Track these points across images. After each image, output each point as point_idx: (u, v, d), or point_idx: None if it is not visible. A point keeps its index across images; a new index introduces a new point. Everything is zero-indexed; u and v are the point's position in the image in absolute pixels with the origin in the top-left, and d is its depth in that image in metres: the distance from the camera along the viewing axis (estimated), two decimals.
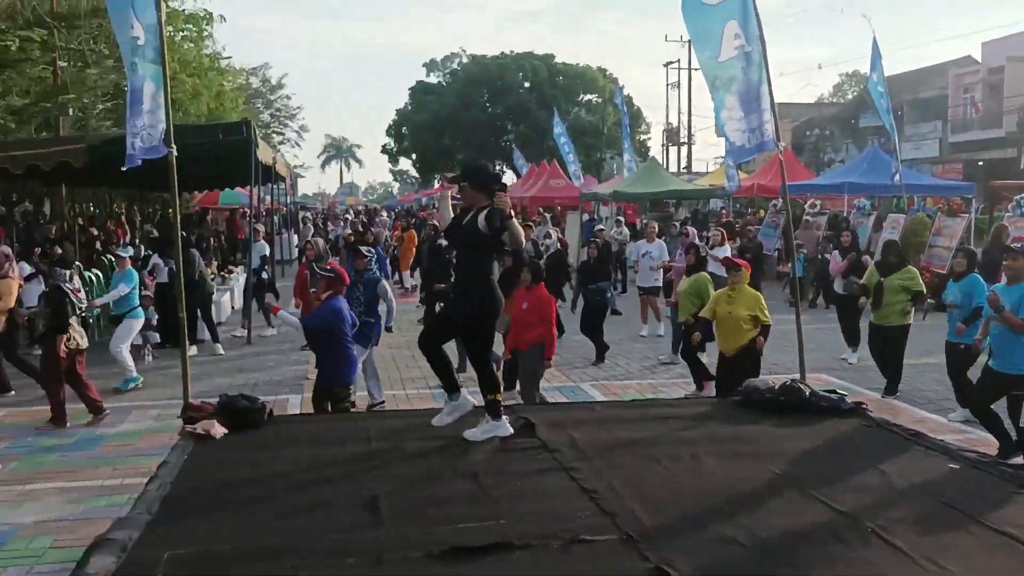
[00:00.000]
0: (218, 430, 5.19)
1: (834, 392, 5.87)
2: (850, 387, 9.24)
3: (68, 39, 20.91)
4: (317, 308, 7.08)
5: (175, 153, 6.08)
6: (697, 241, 12.56)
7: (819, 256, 15.54)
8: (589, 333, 11.61)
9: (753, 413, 5.70)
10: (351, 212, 45.14)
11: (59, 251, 11.99)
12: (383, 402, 9.00)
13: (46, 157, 12.16)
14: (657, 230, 14.87)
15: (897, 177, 18.37)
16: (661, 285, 13.40)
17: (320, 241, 11.19)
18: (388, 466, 4.69)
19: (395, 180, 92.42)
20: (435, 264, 12.18)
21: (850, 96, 62.39)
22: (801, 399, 5.72)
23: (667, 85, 53.06)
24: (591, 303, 11.75)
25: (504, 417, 5.22)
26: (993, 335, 6.93)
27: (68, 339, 8.24)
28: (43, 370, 8.48)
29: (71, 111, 23.91)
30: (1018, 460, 6.51)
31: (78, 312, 8.55)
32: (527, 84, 60.37)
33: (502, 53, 62.72)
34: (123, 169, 6.30)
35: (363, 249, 9.26)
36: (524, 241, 5.34)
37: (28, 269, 11.43)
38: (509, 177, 57.97)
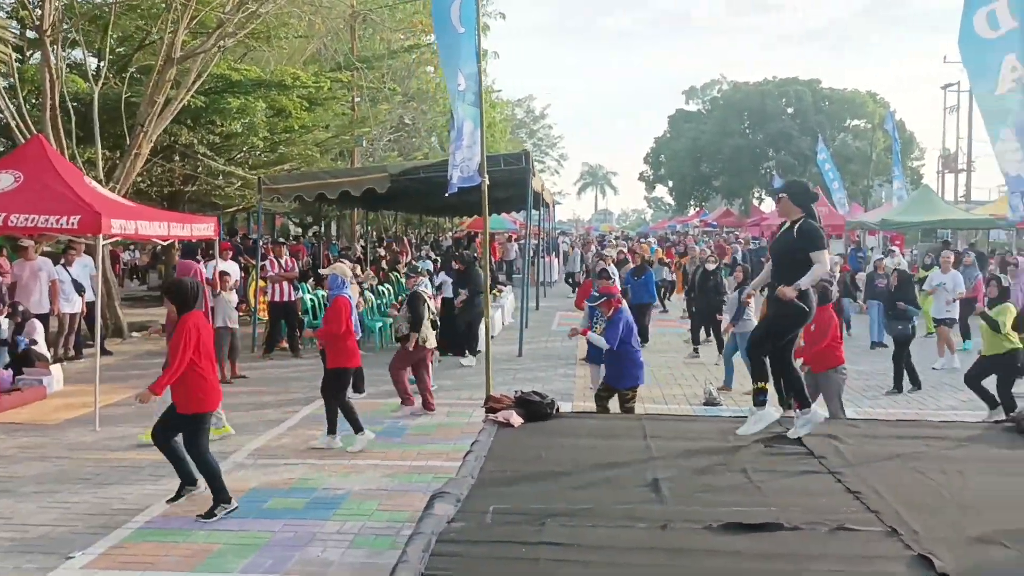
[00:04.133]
0: (516, 419, 6.04)
1: None
2: None
3: (366, 78, 23.33)
4: (609, 326, 7.94)
5: (487, 182, 7.10)
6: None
7: None
8: (895, 362, 11.65)
9: None
10: (608, 238, 46.04)
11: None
12: None
13: (356, 184, 13.96)
14: (952, 260, 14.48)
15: None
16: (956, 317, 13.15)
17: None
18: (664, 457, 5.28)
19: (649, 207, 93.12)
20: (704, 286, 12.99)
21: None
22: None
23: (944, 108, 49.88)
24: (893, 333, 11.85)
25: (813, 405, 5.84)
26: None
27: (422, 339, 9.72)
28: (394, 363, 9.94)
29: (363, 143, 26.69)
30: None
31: (430, 316, 10.00)
32: (790, 110, 59.01)
33: (764, 79, 61.74)
34: (446, 195, 7.41)
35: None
36: (826, 266, 5.84)
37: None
38: (768, 205, 56.84)
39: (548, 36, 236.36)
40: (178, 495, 6.72)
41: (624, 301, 9.01)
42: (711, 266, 14.24)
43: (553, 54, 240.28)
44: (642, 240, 37.75)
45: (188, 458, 6.57)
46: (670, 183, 68.07)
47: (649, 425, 6.21)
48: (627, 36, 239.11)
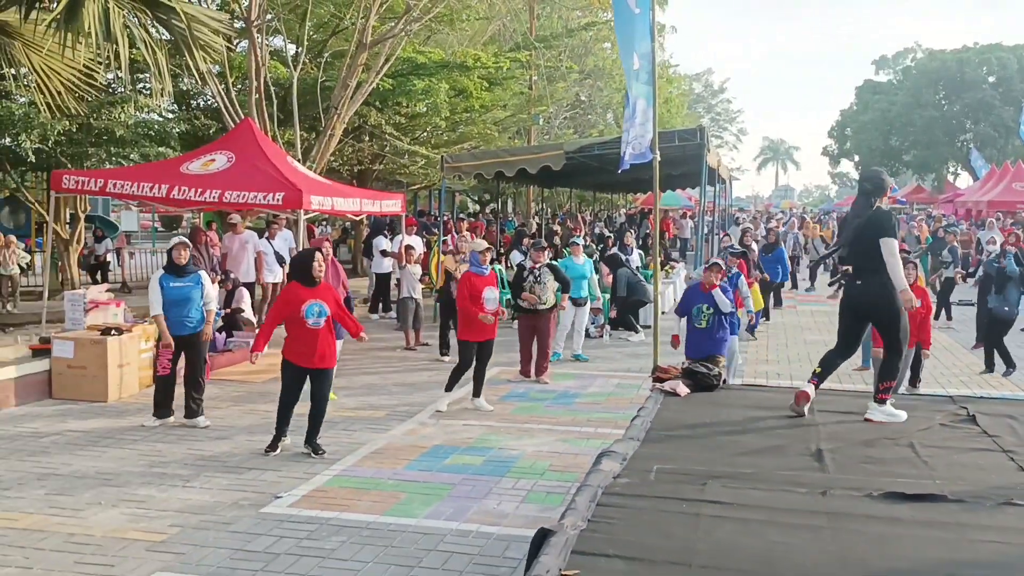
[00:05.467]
0: (682, 389, 6.26)
1: None
2: None
3: (543, 57, 23.75)
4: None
5: (659, 159, 7.31)
6: None
7: None
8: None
9: None
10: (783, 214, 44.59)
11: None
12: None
13: (533, 162, 14.41)
14: None
15: None
16: None
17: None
18: (830, 430, 5.37)
19: (833, 183, 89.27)
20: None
21: None
22: None
23: None
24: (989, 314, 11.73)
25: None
26: None
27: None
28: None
29: (540, 121, 27.18)
30: None
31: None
32: (991, 79, 54.99)
33: (964, 46, 57.74)
34: (618, 172, 7.68)
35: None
36: None
37: (519, 257, 13.71)
38: (964, 179, 53.35)
39: (730, 6, 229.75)
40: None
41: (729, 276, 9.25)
42: None
43: (735, 25, 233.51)
44: (822, 217, 36.40)
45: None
46: (856, 158, 65.08)
47: (817, 399, 6.27)
48: (808, 4, 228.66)
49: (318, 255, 7.39)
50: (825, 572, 3.26)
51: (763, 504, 3.99)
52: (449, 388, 9.02)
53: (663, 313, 15.72)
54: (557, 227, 24.97)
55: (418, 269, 12.78)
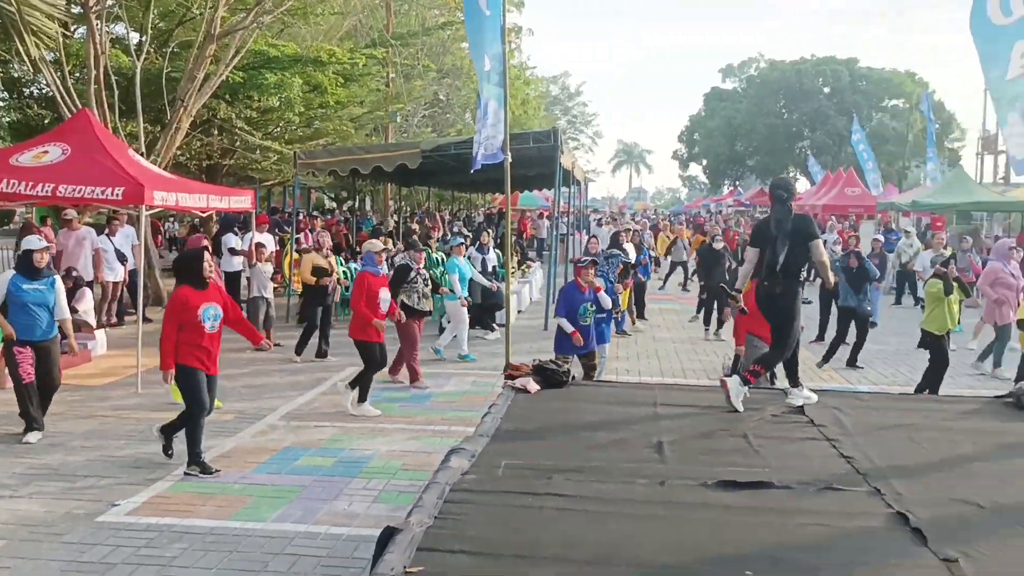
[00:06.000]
0: (533, 386, 6.36)
1: None
2: None
3: (400, 55, 23.62)
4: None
5: (510, 160, 7.40)
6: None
7: None
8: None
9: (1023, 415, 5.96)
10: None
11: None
12: None
13: (389, 160, 14.31)
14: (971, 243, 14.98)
15: None
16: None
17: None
18: (671, 422, 5.59)
19: (684, 185, 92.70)
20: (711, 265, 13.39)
21: None
22: None
23: (985, 89, 49.11)
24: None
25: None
26: None
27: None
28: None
29: (398, 119, 27.01)
30: None
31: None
32: (827, 89, 58.45)
33: (802, 58, 61.17)
34: (471, 172, 7.72)
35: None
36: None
37: None
38: (802, 184, 56.46)
39: (586, 11, 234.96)
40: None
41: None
42: (718, 245, 14.50)
43: (589, 30, 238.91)
44: (672, 219, 37.73)
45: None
46: (704, 162, 67.87)
47: (661, 394, 6.50)
48: (665, 12, 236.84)
49: (206, 255, 7.06)
50: (662, 559, 3.40)
51: (606, 496, 4.11)
52: (363, 397, 8.83)
53: (519, 312, 16.03)
54: (415, 226, 24.88)
55: (269, 267, 12.47)
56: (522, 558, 3.35)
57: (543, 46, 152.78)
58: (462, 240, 12.94)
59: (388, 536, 3.46)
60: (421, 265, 10.39)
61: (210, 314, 6.86)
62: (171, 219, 26.37)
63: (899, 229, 27.20)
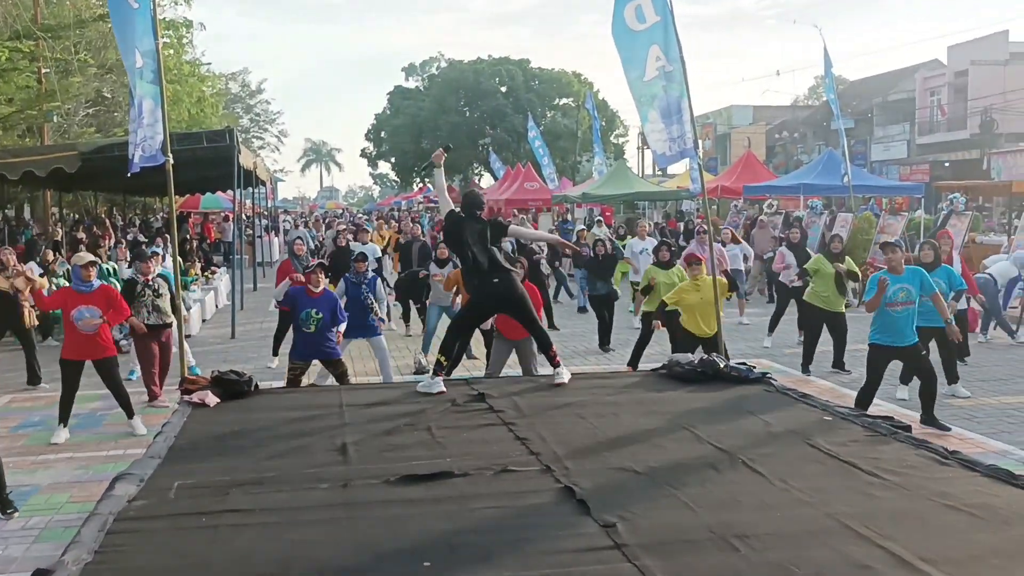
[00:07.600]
0: (211, 399, 6.06)
1: (744, 364, 6.80)
2: (786, 370, 10.22)
3: (53, 49, 21.59)
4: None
5: (171, 161, 6.97)
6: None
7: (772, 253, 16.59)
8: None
9: (674, 382, 6.62)
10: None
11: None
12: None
13: (41, 164, 13.01)
14: (648, 228, 16.51)
15: (846, 179, 19.44)
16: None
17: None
18: (356, 424, 5.57)
19: (375, 184, 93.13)
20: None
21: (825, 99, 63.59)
22: (715, 370, 6.65)
23: None
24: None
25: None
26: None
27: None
28: None
29: (55, 118, 24.62)
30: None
31: None
32: (503, 89, 61.32)
33: (479, 58, 63.72)
34: (128, 175, 7.17)
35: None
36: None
37: (38, 269, 12.27)
38: (486, 180, 58.96)
39: (266, 15, 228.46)
40: None
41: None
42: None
43: (268, 28, 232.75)
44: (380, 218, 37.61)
45: None
46: (392, 159, 68.55)
47: (346, 395, 6.47)
48: (348, 10, 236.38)
49: None
50: (340, 563, 3.37)
51: (285, 506, 4.01)
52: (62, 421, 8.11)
53: (204, 321, 15.23)
54: (82, 235, 22.89)
55: None
56: None
57: (224, 46, 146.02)
58: (157, 250, 12.03)
59: None
60: (150, 276, 9.43)
61: None
62: None
63: (573, 220, 29.23)
